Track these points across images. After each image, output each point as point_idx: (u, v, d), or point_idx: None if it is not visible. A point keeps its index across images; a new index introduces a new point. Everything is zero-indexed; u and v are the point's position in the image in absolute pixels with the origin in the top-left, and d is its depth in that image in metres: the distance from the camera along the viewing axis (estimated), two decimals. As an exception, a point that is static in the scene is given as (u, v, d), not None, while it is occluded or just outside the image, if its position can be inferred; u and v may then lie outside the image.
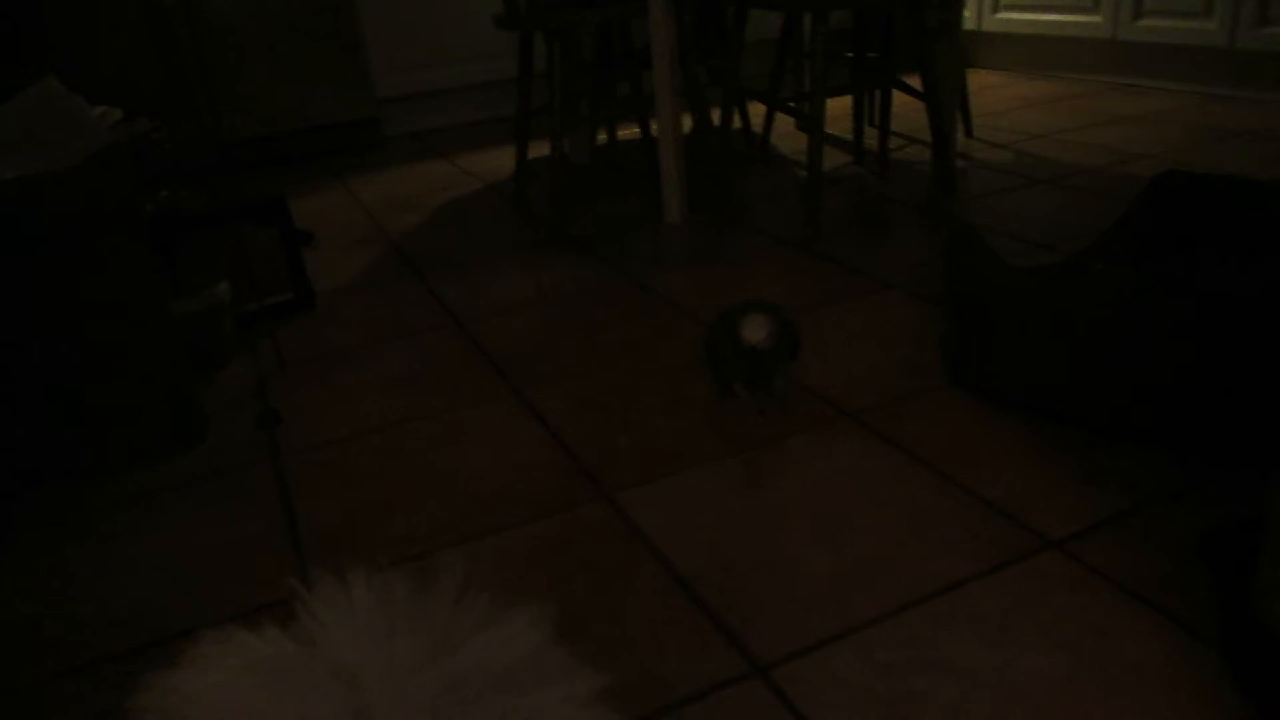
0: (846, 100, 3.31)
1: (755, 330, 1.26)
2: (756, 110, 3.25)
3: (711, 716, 0.86)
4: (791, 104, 2.42)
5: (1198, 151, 2.34)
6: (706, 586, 1.02)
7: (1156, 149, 2.40)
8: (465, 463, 1.30)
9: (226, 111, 3.04)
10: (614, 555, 1.08)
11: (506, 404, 1.45)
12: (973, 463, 1.19)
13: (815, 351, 1.53)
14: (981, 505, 1.11)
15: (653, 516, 1.15)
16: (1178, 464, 1.14)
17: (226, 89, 3.03)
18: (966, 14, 3.49)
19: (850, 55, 2.50)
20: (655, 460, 1.26)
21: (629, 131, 3.22)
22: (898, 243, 1.97)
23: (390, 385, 1.56)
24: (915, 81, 3.12)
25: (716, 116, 2.87)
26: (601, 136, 3.05)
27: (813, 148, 2.02)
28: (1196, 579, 0.96)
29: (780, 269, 1.89)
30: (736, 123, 3.10)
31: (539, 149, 3.00)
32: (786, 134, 2.99)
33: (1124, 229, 1.50)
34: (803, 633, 0.94)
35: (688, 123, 2.95)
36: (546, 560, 1.09)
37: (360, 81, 3.22)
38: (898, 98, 3.23)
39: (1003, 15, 3.44)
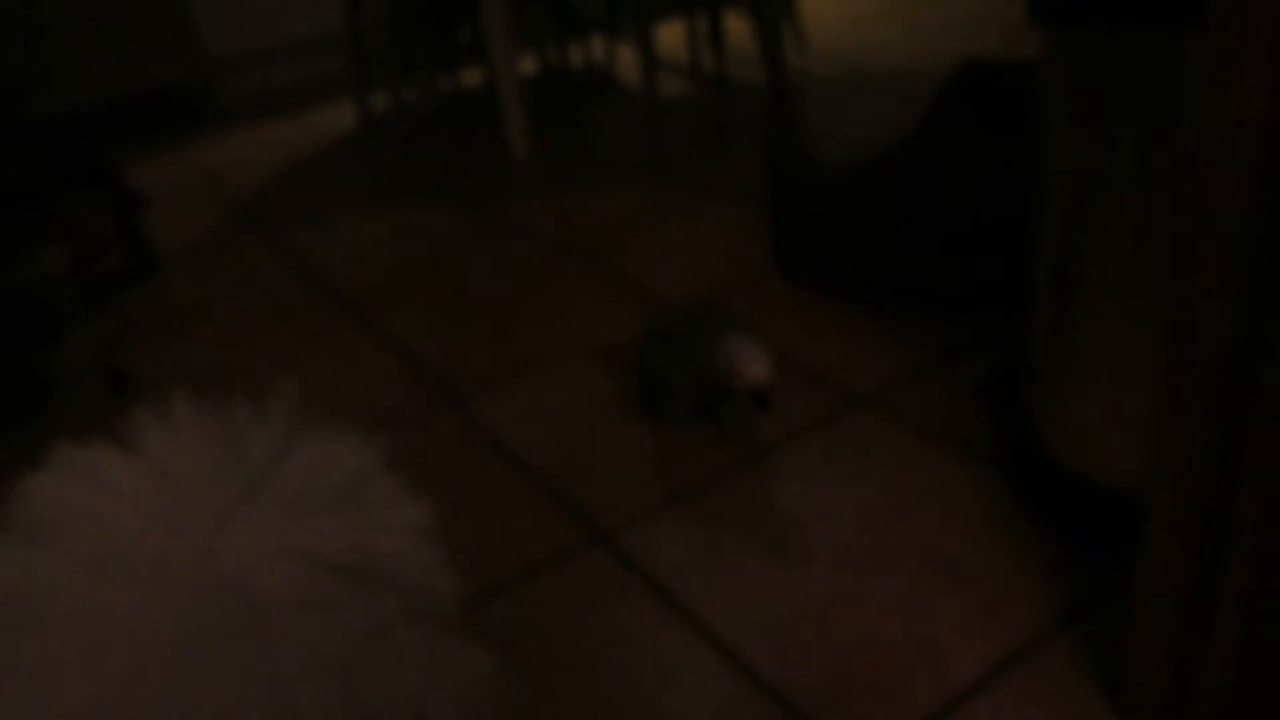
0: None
1: (756, 363, 0.98)
2: (599, 42, 3.27)
3: (563, 582, 0.93)
4: (624, 32, 2.47)
5: (1033, 46, 2.49)
6: (552, 472, 1.09)
7: (992, 47, 2.54)
8: (320, 393, 1.33)
9: (38, 80, 2.90)
10: (466, 457, 1.14)
11: (358, 338, 1.48)
12: (794, 341, 1.29)
13: (658, 260, 1.60)
14: (800, 375, 1.21)
15: (503, 419, 1.20)
16: (968, 324, 1.26)
17: (38, 56, 2.88)
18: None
19: (680, -20, 2.55)
20: (505, 370, 1.32)
21: (473, 78, 3.20)
22: (737, 158, 2.05)
23: (241, 335, 1.56)
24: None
25: (557, 53, 2.89)
26: (446, 84, 3.03)
27: (645, 70, 2.08)
28: (984, 416, 1.08)
29: (624, 190, 1.95)
30: (579, 57, 3.12)
31: (384, 101, 2.97)
32: (631, 63, 3.03)
33: (927, 120, 1.61)
34: (639, 501, 1.02)
35: (531, 63, 2.96)
36: (398, 468, 1.13)
37: (190, 42, 3.11)
38: (734, 22, 3.31)
39: (829, -65, 3.54)
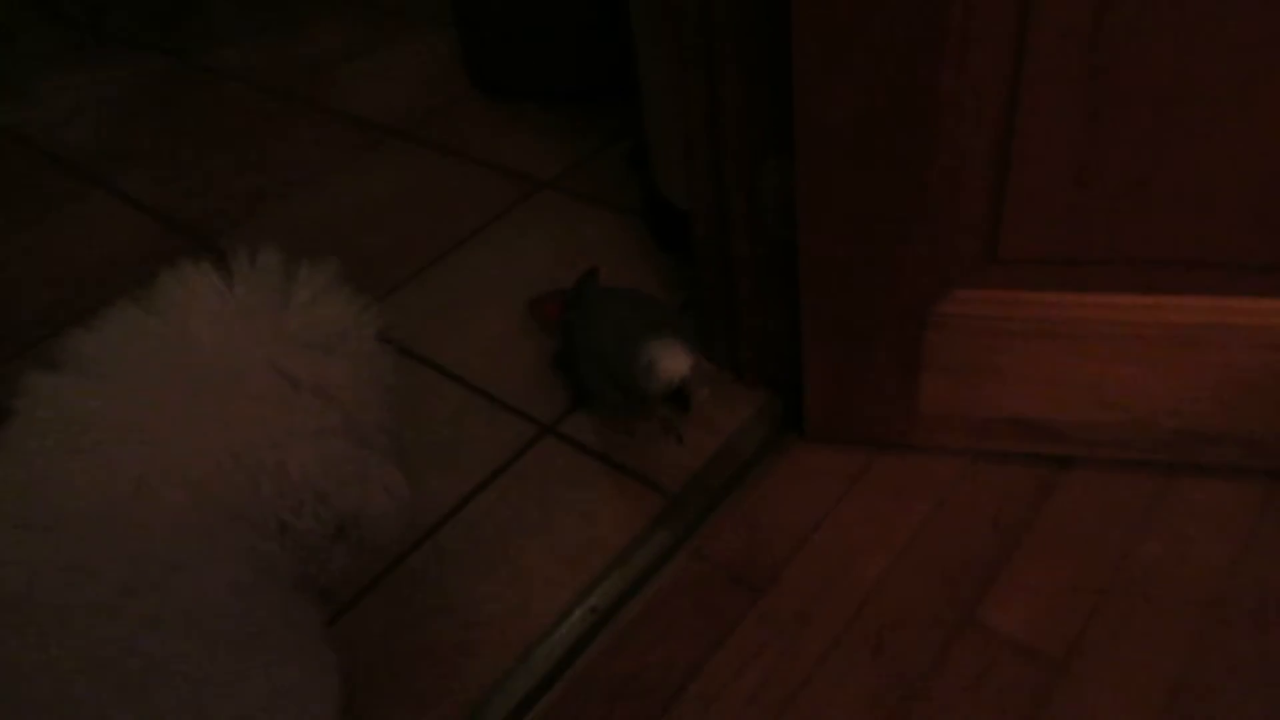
0: None
1: (673, 361, 0.88)
2: None
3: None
4: None
5: None
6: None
7: None
8: (69, 253, 1.47)
9: None
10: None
11: (97, 199, 1.60)
12: (490, 141, 1.56)
13: (365, 89, 1.79)
14: (494, 172, 1.49)
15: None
16: (622, 112, 1.56)
17: None
18: None
19: None
20: (242, 208, 1.51)
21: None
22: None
23: (-26, 214, 1.63)
24: None
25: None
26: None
27: (320, -97, 2.15)
28: (632, 182, 1.40)
29: (327, 23, 2.06)
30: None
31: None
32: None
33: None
34: (377, 286, 1.29)
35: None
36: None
37: None
38: None
39: None
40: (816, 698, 0.80)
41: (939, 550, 0.89)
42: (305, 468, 0.59)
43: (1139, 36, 0.68)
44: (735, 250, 0.94)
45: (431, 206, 1.44)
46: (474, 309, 1.23)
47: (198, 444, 0.57)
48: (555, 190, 1.43)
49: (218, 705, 0.54)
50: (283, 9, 2.18)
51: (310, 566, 0.63)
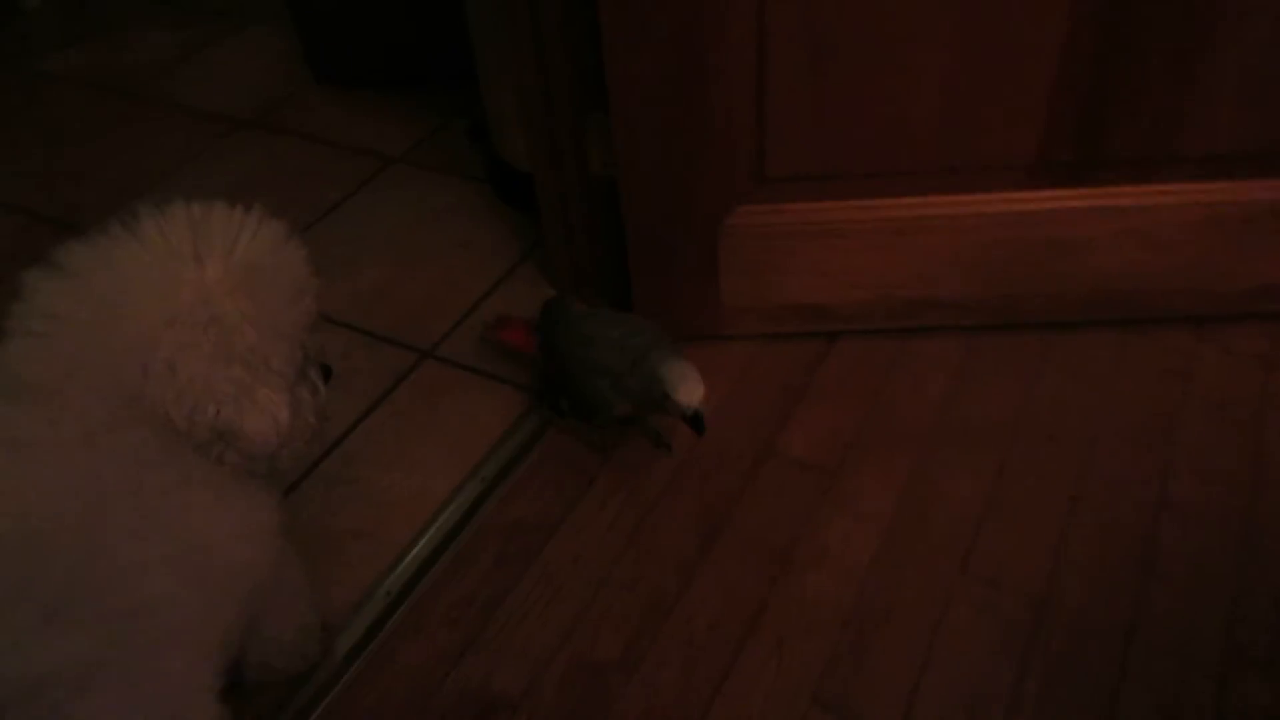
0: None
1: (694, 388, 0.97)
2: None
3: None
4: None
5: None
6: (184, 257, 1.47)
7: None
8: (-55, 251, 1.55)
9: None
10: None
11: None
12: (338, 126, 1.73)
13: (206, 86, 1.91)
14: (347, 150, 1.67)
15: (126, 233, 1.54)
16: (462, 92, 1.78)
17: None
18: None
19: None
20: (112, 194, 1.62)
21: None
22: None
23: None
24: None
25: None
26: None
27: (139, -90, 2.22)
28: (474, 152, 1.62)
29: (154, 27, 2.15)
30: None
31: None
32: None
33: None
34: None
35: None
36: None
37: None
38: None
39: None
40: (660, 518, 1.06)
41: (743, 408, 1.17)
42: (192, 377, 0.71)
43: (842, 14, 0.97)
44: (570, 190, 1.19)
45: (292, 185, 1.61)
46: (346, 267, 1.42)
47: (109, 341, 0.71)
48: (405, 164, 1.63)
49: (183, 512, 0.72)
50: (104, 15, 2.25)
51: (208, 457, 0.75)
